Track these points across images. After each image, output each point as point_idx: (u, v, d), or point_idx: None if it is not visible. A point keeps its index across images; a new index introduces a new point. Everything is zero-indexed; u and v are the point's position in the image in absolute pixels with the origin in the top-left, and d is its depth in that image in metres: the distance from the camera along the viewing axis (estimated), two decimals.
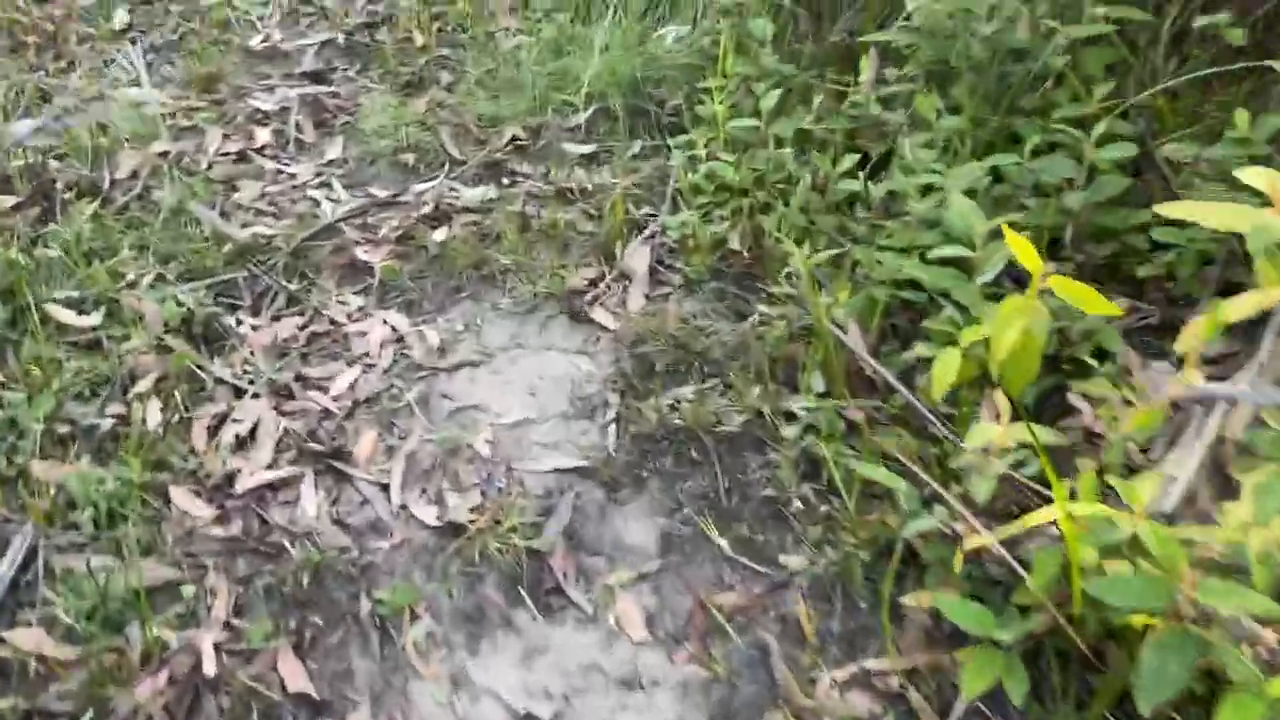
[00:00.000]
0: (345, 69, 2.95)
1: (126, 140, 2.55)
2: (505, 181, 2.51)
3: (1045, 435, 1.40)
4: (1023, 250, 1.39)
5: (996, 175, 2.04)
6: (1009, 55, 2.24)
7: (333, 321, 2.16)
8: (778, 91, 2.29)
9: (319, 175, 2.56)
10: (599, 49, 2.74)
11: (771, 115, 2.26)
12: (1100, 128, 1.89)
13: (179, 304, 2.06)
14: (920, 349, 1.73)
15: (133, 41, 2.95)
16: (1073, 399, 1.72)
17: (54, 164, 2.45)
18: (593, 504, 1.76)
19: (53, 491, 1.70)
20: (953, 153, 2.19)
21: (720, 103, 2.38)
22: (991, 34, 2.20)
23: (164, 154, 2.53)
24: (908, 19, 2.37)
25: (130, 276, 2.16)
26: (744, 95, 2.48)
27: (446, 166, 2.57)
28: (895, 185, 2.10)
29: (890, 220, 2.09)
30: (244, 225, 2.35)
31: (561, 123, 2.67)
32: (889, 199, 2.15)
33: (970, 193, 1.96)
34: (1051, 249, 2.01)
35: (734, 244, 2.19)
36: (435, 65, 2.92)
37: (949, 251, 1.71)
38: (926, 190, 2.02)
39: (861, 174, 2.17)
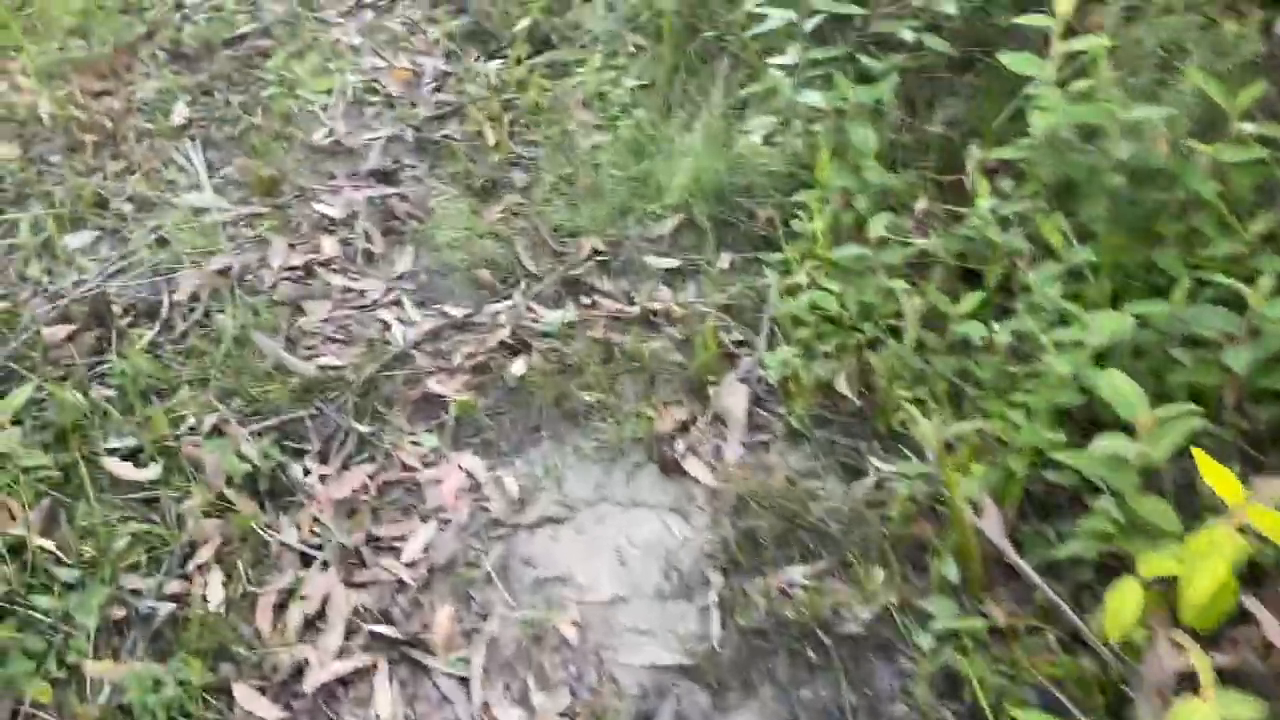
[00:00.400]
0: (413, 167, 2.82)
1: (186, 254, 2.43)
2: (585, 301, 2.35)
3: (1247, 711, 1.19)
4: (1219, 479, 1.19)
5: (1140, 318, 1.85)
6: (1145, 176, 2.04)
7: (405, 467, 2.02)
8: (886, 216, 2.11)
9: (389, 292, 2.42)
10: (681, 152, 2.58)
11: (879, 243, 2.08)
12: (1268, 283, 1.68)
13: (241, 457, 1.92)
14: (1073, 546, 1.54)
15: (192, 138, 2.84)
16: (1250, 605, 1.51)
17: (112, 286, 2.32)
18: (696, 711, 1.58)
19: (107, 691, 1.56)
20: (1085, 292, 2.00)
21: (818, 221, 2.21)
22: (1126, 157, 2.01)
23: (225, 271, 2.40)
24: (1025, 133, 2.19)
25: (190, 421, 2.02)
26: (842, 206, 2.31)
27: (523, 283, 2.43)
28: (1023, 327, 1.91)
29: (1018, 364, 1.91)
30: (310, 355, 2.22)
31: (643, 233, 2.51)
32: (1016, 339, 1.96)
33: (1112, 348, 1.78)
34: (1200, 401, 1.81)
35: (841, 387, 2.01)
36: (508, 165, 2.78)
37: (1107, 448, 1.51)
38: (1059, 322, 1.85)
39: (982, 309, 1.99)
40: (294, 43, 3.23)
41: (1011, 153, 2.13)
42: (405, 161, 2.85)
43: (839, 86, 2.34)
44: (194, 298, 2.34)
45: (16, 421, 1.93)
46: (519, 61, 3.17)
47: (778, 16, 2.41)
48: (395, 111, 3.02)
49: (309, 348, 2.25)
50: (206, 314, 2.31)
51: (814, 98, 2.40)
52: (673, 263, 2.45)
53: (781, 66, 2.54)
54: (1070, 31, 2.03)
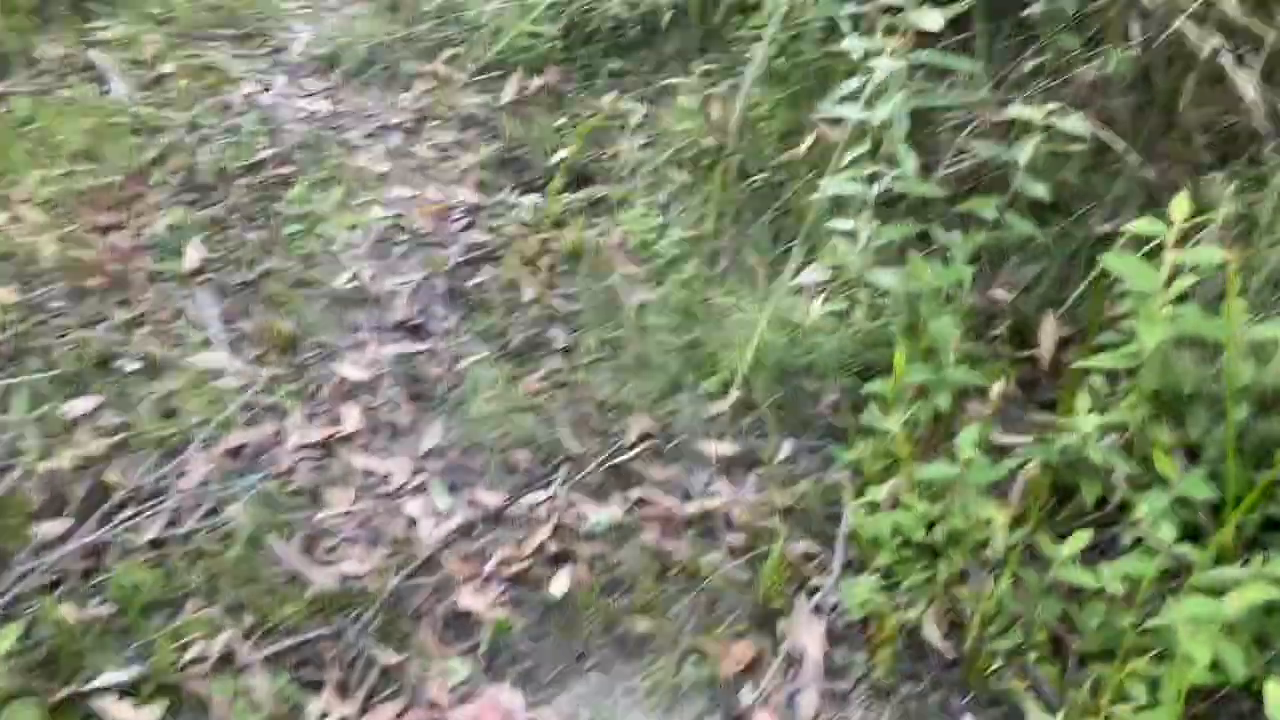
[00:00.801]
0: (444, 318, 2.63)
1: (195, 427, 2.24)
2: (635, 497, 2.16)
3: None
4: None
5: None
6: (1272, 402, 1.86)
7: (433, 704, 1.81)
8: (974, 430, 1.92)
9: (416, 474, 2.23)
10: (737, 321, 2.40)
11: (970, 465, 1.89)
12: None
13: (252, 703, 1.71)
14: None
15: (204, 283, 2.65)
16: None
17: (114, 471, 2.12)
18: None
19: None
20: (1202, 525, 1.81)
21: (893, 418, 2.02)
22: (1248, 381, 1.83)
23: (238, 451, 2.21)
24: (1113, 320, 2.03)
25: (198, 647, 1.81)
26: (916, 396, 2.13)
27: (564, 468, 2.23)
28: (1134, 571, 1.72)
29: (1132, 610, 1.71)
30: (329, 561, 2.01)
31: (697, 412, 2.33)
32: (1128, 584, 1.77)
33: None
34: None
35: (930, 635, 1.81)
36: (547, 320, 2.60)
37: None
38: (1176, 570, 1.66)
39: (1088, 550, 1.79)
40: (316, 170, 3.07)
41: (1111, 361, 1.95)
42: (435, 311, 2.67)
43: (914, 269, 2.17)
44: (203, 484, 2.14)
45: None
46: (556, 195, 3.00)
47: (850, 188, 2.23)
48: (424, 253, 2.84)
49: (328, 550, 2.05)
50: (216, 507, 2.10)
51: (885, 279, 2.22)
52: (730, 449, 2.26)
53: (846, 234, 2.36)
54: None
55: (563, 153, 3.12)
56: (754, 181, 2.84)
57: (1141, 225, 1.87)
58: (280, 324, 2.54)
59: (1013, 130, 2.31)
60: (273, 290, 2.66)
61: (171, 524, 2.08)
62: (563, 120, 3.27)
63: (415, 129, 3.32)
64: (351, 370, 2.46)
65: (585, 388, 2.39)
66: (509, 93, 3.39)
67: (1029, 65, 2.55)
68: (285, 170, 3.06)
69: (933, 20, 2.04)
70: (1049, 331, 2.40)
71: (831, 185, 2.32)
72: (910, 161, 2.15)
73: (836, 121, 2.37)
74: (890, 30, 2.32)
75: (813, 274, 2.38)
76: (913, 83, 2.24)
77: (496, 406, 2.34)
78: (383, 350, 2.53)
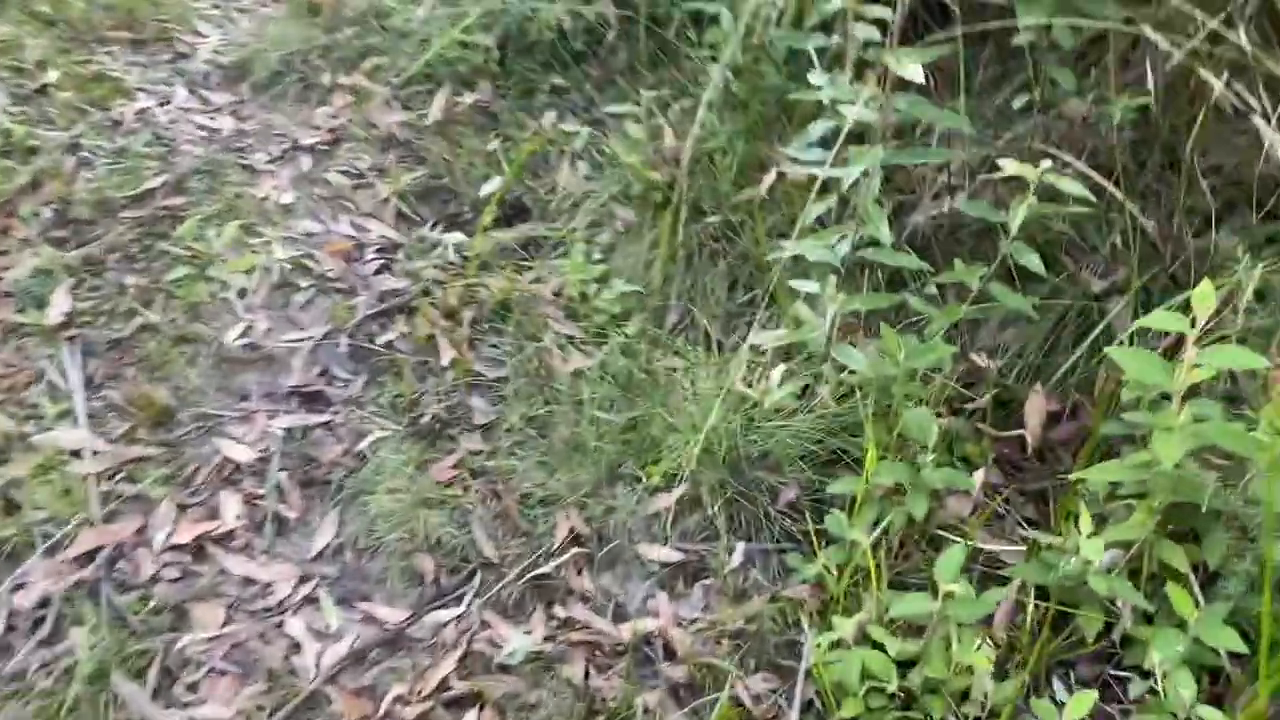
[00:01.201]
0: (346, 384, 2.31)
1: (40, 525, 1.90)
2: (560, 616, 1.85)
3: None
4: None
5: None
6: None
7: None
8: (958, 555, 1.63)
9: (303, 583, 1.92)
10: (684, 397, 2.10)
11: (950, 600, 1.60)
12: None
13: None
14: None
15: (72, 339, 2.30)
16: None
17: None
18: None
19: None
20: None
21: (858, 525, 1.73)
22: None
23: (90, 557, 1.87)
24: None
25: None
26: (887, 498, 1.84)
27: (478, 576, 1.93)
28: None
29: None
30: (188, 702, 1.69)
31: (636, 508, 2.02)
32: None
33: None
34: None
35: None
36: (467, 389, 2.28)
37: None
38: None
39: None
40: (212, 200, 2.72)
41: (1119, 474, 1.67)
42: (337, 374, 2.34)
43: (887, 345, 1.88)
44: (43, 604, 1.80)
45: None
46: (485, 233, 2.67)
47: (816, 253, 1.93)
48: (329, 301, 2.50)
49: (189, 687, 1.73)
50: (56, 629, 1.77)
51: (854, 357, 1.93)
52: (673, 555, 1.96)
53: (811, 298, 2.07)
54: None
55: (494, 183, 2.80)
56: (708, 223, 2.53)
57: (1159, 319, 1.58)
58: (155, 391, 2.20)
59: (1001, 185, 2.02)
60: (150, 348, 2.32)
61: (3, 651, 1.74)
62: (495, 144, 2.95)
63: (329, 151, 2.97)
64: (235, 449, 2.13)
65: (507, 476, 2.08)
66: (436, 110, 3.05)
67: (1018, 102, 2.26)
68: (176, 201, 2.71)
69: (914, 71, 1.73)
70: (1036, 409, 2.13)
71: (795, 248, 2.01)
72: (883, 226, 1.85)
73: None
74: (862, 67, 2.03)
75: (772, 340, 2.08)
76: (888, 135, 1.95)
77: (402, 498, 2.02)
78: (273, 424, 2.20)
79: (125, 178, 2.75)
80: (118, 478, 2.04)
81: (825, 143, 1.95)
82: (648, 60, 3.05)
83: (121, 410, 2.19)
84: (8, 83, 3.09)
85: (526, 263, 2.63)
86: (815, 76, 2.03)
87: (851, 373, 2.00)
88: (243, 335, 2.39)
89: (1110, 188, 2.03)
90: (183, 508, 2.02)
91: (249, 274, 2.54)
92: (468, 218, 2.81)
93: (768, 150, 2.59)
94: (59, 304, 2.37)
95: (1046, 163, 1.80)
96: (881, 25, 1.93)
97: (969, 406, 2.14)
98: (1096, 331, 2.13)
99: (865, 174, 1.89)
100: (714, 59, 2.59)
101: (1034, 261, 1.85)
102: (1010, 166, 1.80)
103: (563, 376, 2.24)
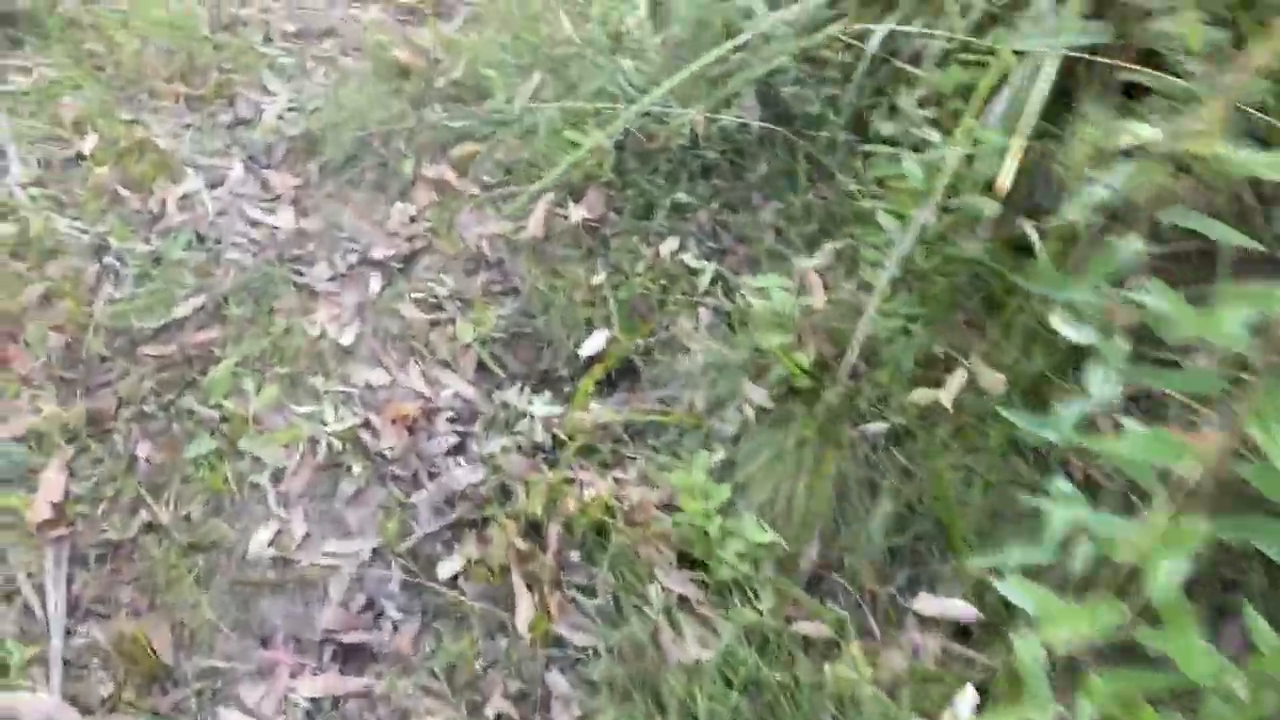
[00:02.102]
0: (395, 628, 1.86)
1: None
2: None
3: None
4: None
5: None
6: None
7: None
8: None
9: None
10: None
11: None
12: None
13: None
14: None
15: (58, 541, 1.84)
16: None
17: None
18: None
19: None
20: None
21: None
22: None
23: None
24: None
25: None
26: None
27: None
28: None
29: None
30: None
31: None
32: None
33: None
34: None
35: None
36: (547, 664, 1.79)
37: None
38: None
39: None
40: (254, 334, 2.24)
41: None
42: (384, 615, 1.85)
43: None
44: None
45: None
46: (583, 404, 2.16)
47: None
48: (384, 495, 2.01)
49: None
50: None
51: None
52: None
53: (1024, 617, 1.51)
54: None
55: (597, 340, 2.29)
56: (869, 431, 2.00)
57: None
58: (153, 631, 1.73)
59: None
60: (154, 559, 1.85)
61: None
62: (601, 275, 2.42)
63: (404, 268, 2.47)
64: None
65: None
66: (534, 223, 2.53)
67: None
68: (211, 334, 2.23)
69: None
70: None
71: (1016, 557, 1.46)
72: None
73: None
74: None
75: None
76: None
77: None
78: (297, 688, 1.71)
79: (154, 298, 2.28)
80: None
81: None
82: (794, 176, 2.52)
83: (107, 659, 1.71)
84: (38, 147, 2.64)
85: (630, 453, 2.11)
86: (1063, 325, 1.46)
87: None
88: (272, 542, 1.91)
89: None
90: None
91: (288, 448, 2.05)
92: (561, 375, 2.30)
93: (955, 342, 2.06)
94: (51, 487, 1.91)
95: None
96: None
97: None
98: None
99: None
100: (895, 214, 2.04)
101: None
102: None
103: (672, 662, 1.72)
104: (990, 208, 1.74)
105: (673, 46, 2.71)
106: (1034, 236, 1.78)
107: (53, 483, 1.91)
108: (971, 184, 1.97)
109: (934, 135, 2.01)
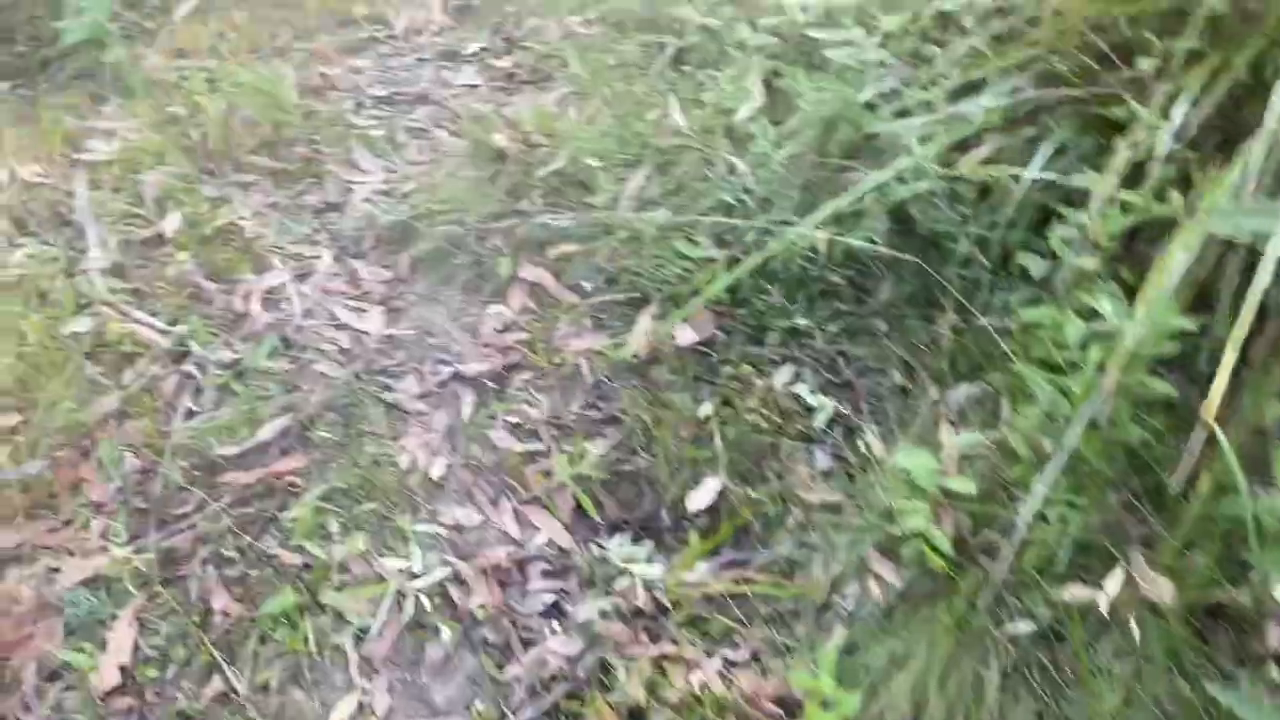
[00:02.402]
0: None
1: None
2: None
3: None
4: None
5: None
6: None
7: None
8: None
9: None
10: None
11: None
12: None
13: None
14: None
15: (126, 715, 1.69)
16: None
17: None
18: None
19: None
20: None
21: None
22: None
23: None
24: None
25: None
26: None
27: None
28: None
29: None
30: None
31: None
32: None
33: None
34: None
35: None
36: None
37: None
38: None
39: None
40: (340, 463, 2.08)
41: None
42: None
43: None
44: None
45: None
46: (690, 565, 1.98)
47: None
48: (473, 664, 1.85)
49: None
50: None
51: None
52: None
53: None
54: None
55: (706, 491, 2.11)
56: (1016, 633, 1.82)
57: None
58: None
59: None
60: None
61: None
62: (709, 407, 2.23)
63: (498, 387, 2.31)
64: None
65: None
66: (637, 341, 2.35)
67: None
68: (295, 463, 2.08)
69: None
70: None
71: None
72: None
73: None
74: None
75: None
76: None
77: None
78: None
79: (237, 417, 2.12)
80: None
81: None
82: (922, 307, 2.34)
83: None
84: (115, 227, 2.50)
85: (740, 628, 1.93)
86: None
87: None
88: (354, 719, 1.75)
89: None
90: None
91: (372, 604, 1.89)
92: (665, 525, 2.12)
93: (1111, 527, 1.87)
94: (118, 647, 1.77)
95: None
96: None
97: None
98: None
99: None
100: (1054, 386, 1.85)
101: None
102: None
103: None
104: (1195, 437, 1.53)
105: (791, 147, 2.52)
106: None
107: (122, 640, 1.77)
108: (1139, 361, 1.77)
109: (1105, 304, 1.81)
